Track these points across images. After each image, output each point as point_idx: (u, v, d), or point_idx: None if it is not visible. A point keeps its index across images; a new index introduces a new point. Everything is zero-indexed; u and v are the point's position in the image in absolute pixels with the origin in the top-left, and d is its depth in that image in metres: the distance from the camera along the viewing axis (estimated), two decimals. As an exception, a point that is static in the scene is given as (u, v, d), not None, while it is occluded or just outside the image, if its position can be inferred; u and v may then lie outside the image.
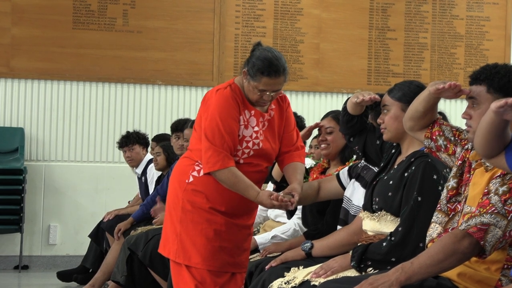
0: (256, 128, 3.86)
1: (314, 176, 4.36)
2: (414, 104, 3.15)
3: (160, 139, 6.78)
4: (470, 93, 2.92)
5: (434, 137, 3.12)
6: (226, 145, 3.73)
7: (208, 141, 3.75)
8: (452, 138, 3.09)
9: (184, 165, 3.88)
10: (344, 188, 4.01)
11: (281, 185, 4.31)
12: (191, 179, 3.82)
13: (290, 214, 4.44)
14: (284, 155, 4.00)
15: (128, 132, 6.94)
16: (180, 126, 6.30)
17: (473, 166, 2.90)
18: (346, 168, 4.05)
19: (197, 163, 3.83)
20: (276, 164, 4.30)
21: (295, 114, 5.02)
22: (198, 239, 3.81)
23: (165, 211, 4.01)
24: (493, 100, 2.82)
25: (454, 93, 3.02)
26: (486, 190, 2.74)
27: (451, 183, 2.98)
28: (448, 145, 3.09)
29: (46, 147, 7.57)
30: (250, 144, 3.84)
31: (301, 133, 4.20)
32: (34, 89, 7.55)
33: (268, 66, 3.76)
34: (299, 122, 5.11)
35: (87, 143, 7.67)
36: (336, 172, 4.09)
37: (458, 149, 3.05)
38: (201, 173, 3.81)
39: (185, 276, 3.83)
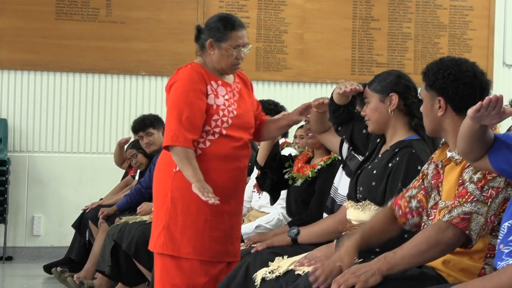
0: (226, 97, 3.87)
1: (299, 165, 4.37)
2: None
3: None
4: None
5: (406, 211, 3.03)
6: (187, 121, 3.73)
7: (171, 116, 3.76)
8: (422, 192, 3.01)
9: (169, 155, 3.84)
10: (341, 152, 4.02)
11: (265, 170, 4.32)
12: (178, 167, 3.79)
13: (274, 200, 4.46)
14: (257, 126, 4.08)
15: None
16: (138, 126, 6.31)
17: (440, 166, 2.90)
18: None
19: None
20: (260, 148, 4.32)
21: (275, 103, 5.03)
22: (188, 229, 3.78)
23: (154, 204, 3.98)
24: (430, 97, 2.84)
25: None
26: (460, 181, 2.74)
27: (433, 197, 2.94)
28: (423, 200, 3.02)
29: (30, 138, 7.54)
30: (225, 112, 3.83)
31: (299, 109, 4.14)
32: (17, 80, 7.52)
33: (230, 21, 3.87)
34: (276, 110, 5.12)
35: (71, 134, 7.65)
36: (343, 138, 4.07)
37: (425, 182, 3.00)
38: None
39: (172, 270, 3.80)
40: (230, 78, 3.97)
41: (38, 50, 7.51)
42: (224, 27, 3.85)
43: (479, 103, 2.40)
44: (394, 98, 3.38)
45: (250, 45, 3.96)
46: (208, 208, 3.76)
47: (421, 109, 2.94)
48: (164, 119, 6.55)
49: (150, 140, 6.25)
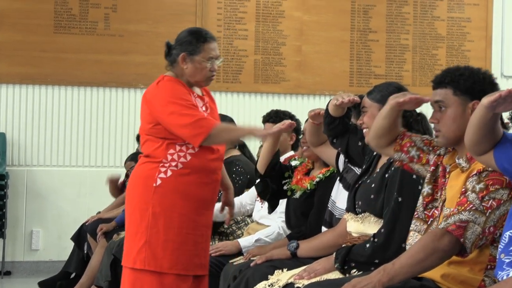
0: (203, 108, 3.91)
1: (298, 177, 4.36)
2: (378, 121, 3.16)
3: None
4: (435, 97, 2.94)
5: (405, 149, 3.13)
6: (194, 111, 3.74)
7: (179, 122, 3.74)
8: (425, 148, 3.11)
9: (148, 169, 3.83)
10: (337, 164, 4.01)
11: (265, 179, 4.32)
12: (159, 181, 3.78)
13: (272, 209, 4.46)
14: None
15: None
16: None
17: (448, 170, 2.92)
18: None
19: (161, 164, 3.80)
20: (260, 156, 4.33)
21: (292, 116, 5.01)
22: (170, 243, 3.77)
23: (126, 222, 3.93)
24: (460, 102, 2.85)
25: (415, 103, 3.05)
26: (463, 189, 2.76)
27: (426, 189, 2.99)
28: (421, 155, 3.10)
29: (28, 152, 7.53)
30: None
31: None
32: (16, 93, 7.52)
33: (201, 34, 3.93)
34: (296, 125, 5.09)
35: (69, 148, 7.64)
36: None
37: (431, 156, 3.06)
38: (169, 173, 3.79)
39: (153, 285, 3.76)
40: (199, 92, 4.00)
41: (37, 63, 7.52)
42: (196, 40, 3.89)
43: (498, 94, 2.43)
44: None
45: (222, 58, 4.00)
46: (189, 222, 3.79)
47: (442, 117, 2.93)
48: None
49: None
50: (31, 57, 7.50)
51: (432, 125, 3.03)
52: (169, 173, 3.79)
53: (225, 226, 4.53)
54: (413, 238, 2.97)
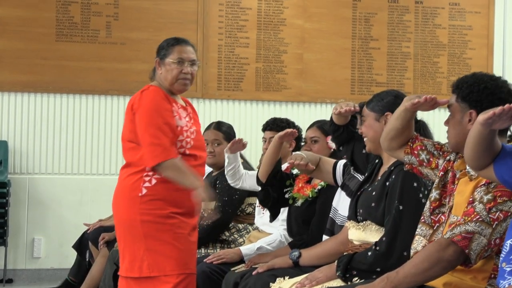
0: (187, 119, 3.94)
1: (300, 185, 4.37)
2: (391, 122, 3.15)
3: None
4: (447, 102, 2.94)
5: (415, 152, 3.13)
6: (165, 137, 3.76)
7: (147, 137, 3.77)
8: (435, 152, 3.10)
9: (133, 181, 3.86)
10: (335, 178, 4.02)
11: (266, 187, 4.32)
12: (144, 191, 3.81)
13: (273, 217, 4.45)
14: None
15: None
16: None
17: (457, 176, 2.91)
18: (343, 161, 4.04)
19: (145, 173, 3.83)
20: (262, 164, 4.34)
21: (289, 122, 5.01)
22: (168, 247, 3.81)
23: (118, 234, 3.97)
24: (460, 109, 2.85)
25: (431, 105, 3.04)
26: (471, 199, 2.74)
27: (434, 194, 2.99)
28: (431, 159, 3.10)
29: (30, 160, 7.53)
30: (188, 133, 3.89)
31: None
32: (18, 101, 7.52)
33: (174, 38, 4.01)
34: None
35: (71, 156, 7.64)
36: (336, 161, 4.08)
37: (440, 161, 3.05)
38: (153, 181, 3.81)
39: None
40: (182, 102, 4.04)
41: (38, 71, 7.52)
42: (167, 44, 3.99)
43: (492, 111, 2.42)
44: (390, 117, 3.38)
45: (199, 63, 4.05)
46: (181, 223, 3.83)
47: (447, 122, 2.94)
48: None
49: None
50: (33, 65, 7.51)
51: (435, 133, 3.04)
52: (154, 181, 3.82)
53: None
54: (418, 242, 2.96)
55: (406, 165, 3.17)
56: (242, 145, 4.75)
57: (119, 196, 3.95)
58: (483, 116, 2.45)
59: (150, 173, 3.82)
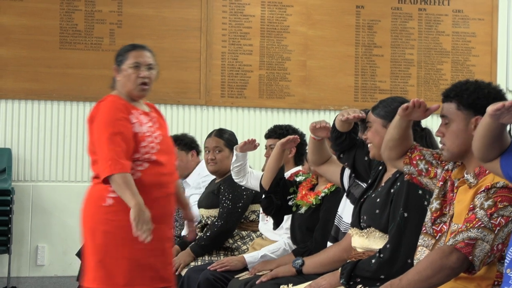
0: (149, 124, 3.91)
1: (303, 192, 4.36)
2: (389, 132, 3.16)
3: None
4: (441, 111, 2.93)
5: (414, 162, 3.12)
6: (118, 148, 3.73)
7: (100, 150, 3.77)
8: (434, 162, 3.10)
9: (98, 190, 3.85)
10: (342, 180, 4.00)
11: (269, 195, 4.31)
12: (109, 201, 3.79)
13: (276, 225, 4.45)
14: None
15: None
16: None
17: (456, 185, 2.90)
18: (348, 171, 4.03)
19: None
20: (265, 171, 4.33)
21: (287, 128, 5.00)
22: (124, 261, 3.77)
23: (83, 242, 3.95)
24: (464, 117, 2.85)
25: (422, 112, 3.03)
26: (471, 206, 2.74)
27: (434, 204, 2.98)
28: (429, 168, 3.09)
29: (34, 168, 7.53)
30: (152, 138, 3.87)
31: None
32: (21, 109, 7.53)
33: (131, 45, 4.04)
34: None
35: (75, 163, 7.64)
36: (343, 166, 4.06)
37: (439, 171, 3.05)
38: None
39: None
40: (145, 108, 4.02)
41: (42, 79, 7.53)
42: (124, 50, 4.01)
43: (501, 103, 2.42)
44: None
45: (157, 68, 4.04)
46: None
47: (441, 132, 2.93)
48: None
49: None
50: (36, 73, 7.52)
51: (438, 140, 3.02)
52: None
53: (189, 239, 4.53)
54: (421, 253, 2.96)
55: (406, 175, 3.17)
56: (254, 146, 4.77)
57: (85, 204, 3.92)
58: (492, 107, 2.45)
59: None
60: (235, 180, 4.87)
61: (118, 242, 3.77)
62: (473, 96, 2.85)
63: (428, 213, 3.00)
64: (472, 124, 2.84)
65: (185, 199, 4.30)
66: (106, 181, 3.74)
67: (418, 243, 2.99)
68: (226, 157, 5.09)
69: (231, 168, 4.85)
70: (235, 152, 4.80)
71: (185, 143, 5.73)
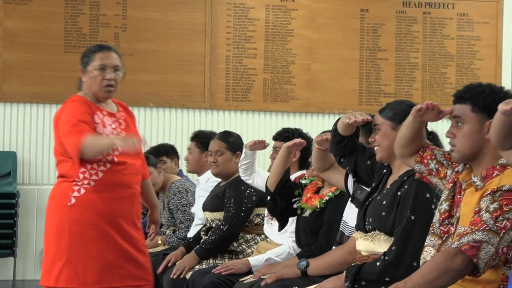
0: (113, 126, 3.92)
1: (308, 195, 4.36)
2: (402, 130, 3.17)
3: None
4: (453, 112, 2.92)
5: (425, 161, 3.13)
6: (83, 129, 3.72)
7: (66, 132, 3.74)
8: (444, 162, 3.10)
9: (62, 189, 3.86)
10: (346, 186, 4.00)
11: (274, 197, 4.32)
12: (73, 200, 3.80)
13: (281, 227, 4.46)
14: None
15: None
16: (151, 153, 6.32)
17: (463, 187, 2.91)
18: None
19: (75, 183, 3.81)
20: (271, 173, 4.33)
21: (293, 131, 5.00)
22: (91, 259, 3.78)
23: (45, 240, 3.95)
24: (478, 119, 2.85)
25: (435, 114, 3.04)
26: (477, 209, 2.74)
27: (444, 206, 2.98)
28: (440, 169, 3.09)
29: (39, 171, 7.55)
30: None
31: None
32: (26, 113, 7.54)
33: (98, 46, 4.01)
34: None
35: (80, 166, 7.65)
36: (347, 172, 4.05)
37: (449, 172, 3.05)
38: (82, 191, 3.80)
39: None
40: (113, 108, 4.02)
41: (47, 82, 7.55)
42: (89, 51, 3.97)
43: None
44: None
45: (123, 70, 4.02)
46: (107, 236, 3.80)
47: (452, 133, 2.92)
48: (176, 148, 6.58)
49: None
50: (41, 76, 7.54)
51: (445, 144, 3.02)
52: (82, 191, 3.80)
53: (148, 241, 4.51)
54: (428, 253, 2.95)
55: (416, 174, 3.17)
56: (263, 146, 4.79)
57: (50, 203, 3.93)
58: (502, 106, 2.46)
59: (80, 183, 3.80)
60: (242, 178, 4.89)
61: (84, 241, 3.78)
62: (489, 99, 2.85)
63: (437, 214, 3.00)
64: (486, 127, 2.83)
65: (154, 200, 4.33)
66: (83, 161, 3.74)
67: (425, 243, 2.99)
68: (228, 160, 5.09)
69: (239, 165, 4.87)
70: (244, 150, 4.83)
71: (202, 141, 5.73)
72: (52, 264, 3.83)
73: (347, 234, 3.89)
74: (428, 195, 3.26)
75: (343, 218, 3.97)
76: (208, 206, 5.11)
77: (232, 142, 5.15)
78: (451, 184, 3.00)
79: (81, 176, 3.81)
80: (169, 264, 5.05)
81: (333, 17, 8.09)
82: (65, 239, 3.79)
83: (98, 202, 3.80)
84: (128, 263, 3.88)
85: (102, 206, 3.80)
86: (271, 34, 7.98)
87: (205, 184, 5.47)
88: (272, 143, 5.05)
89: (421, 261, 2.97)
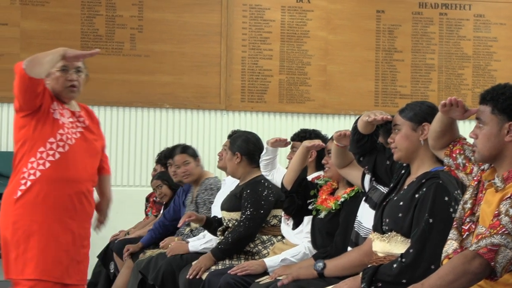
0: (71, 119, 3.93)
1: (323, 197, 4.36)
2: (433, 124, 3.22)
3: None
4: (477, 113, 2.91)
5: (454, 155, 3.14)
6: None
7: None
8: (472, 158, 3.09)
9: (13, 184, 3.86)
10: (363, 184, 4.00)
11: (291, 194, 4.32)
12: (19, 193, 3.80)
13: (296, 225, 4.46)
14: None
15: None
16: (164, 155, 6.32)
17: (485, 186, 2.90)
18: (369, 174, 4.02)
19: (22, 176, 3.81)
20: (288, 171, 4.34)
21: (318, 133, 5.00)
22: (31, 251, 3.77)
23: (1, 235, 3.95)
24: (497, 121, 2.83)
25: (461, 112, 3.04)
26: (496, 212, 2.73)
27: (468, 204, 2.96)
28: (467, 164, 3.09)
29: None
30: (71, 131, 3.88)
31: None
32: (43, 113, 7.57)
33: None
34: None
35: (96, 167, 7.68)
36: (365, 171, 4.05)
37: (475, 169, 3.04)
38: (28, 183, 3.79)
39: None
40: (76, 108, 4.05)
41: (63, 83, 7.58)
42: None
43: None
44: (427, 128, 3.35)
45: (85, 71, 4.04)
46: (50, 230, 3.79)
47: (475, 134, 2.92)
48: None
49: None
50: (58, 77, 7.56)
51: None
52: (29, 183, 3.79)
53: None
54: (450, 246, 2.94)
55: (445, 167, 3.18)
56: (284, 144, 4.83)
57: (3, 198, 3.93)
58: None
59: (26, 175, 3.80)
60: (263, 173, 4.93)
61: (29, 234, 3.78)
62: (509, 101, 2.83)
63: (462, 211, 2.98)
64: (505, 130, 2.82)
65: (107, 192, 4.30)
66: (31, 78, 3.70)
67: (448, 237, 2.98)
68: (229, 160, 5.14)
69: (260, 160, 4.90)
70: (265, 146, 4.87)
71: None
72: (7, 258, 3.84)
73: (363, 236, 3.88)
74: (446, 198, 3.25)
75: (358, 218, 3.97)
76: (226, 205, 5.12)
77: (239, 146, 5.15)
78: (476, 182, 2.99)
79: (29, 165, 3.80)
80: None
81: (349, 18, 8.08)
82: (10, 232, 3.80)
83: (42, 196, 3.79)
84: (67, 260, 3.87)
85: (46, 200, 3.79)
86: (287, 35, 7.99)
87: (232, 184, 5.49)
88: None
89: (443, 255, 2.96)
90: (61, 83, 3.92)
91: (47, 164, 3.81)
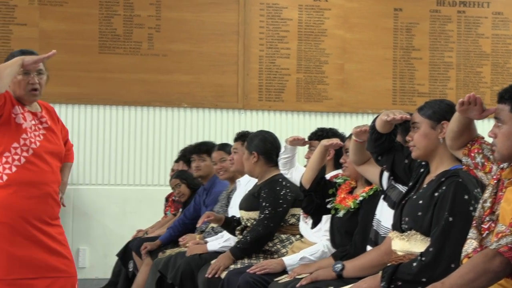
0: (33, 122, 3.92)
1: (342, 195, 4.36)
2: (450, 123, 3.19)
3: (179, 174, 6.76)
4: (495, 112, 2.90)
5: (472, 155, 3.12)
6: None
7: None
8: (491, 157, 3.08)
9: None
10: (381, 181, 3.99)
11: (310, 193, 4.32)
12: None
13: (314, 224, 4.47)
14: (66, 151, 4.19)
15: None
16: (188, 151, 6.32)
17: (505, 184, 2.89)
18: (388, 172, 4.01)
19: None
20: (306, 170, 4.34)
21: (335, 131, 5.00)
22: (3, 253, 3.77)
23: None
24: None
25: (479, 111, 3.02)
26: (517, 210, 2.73)
27: (487, 203, 2.96)
28: (485, 163, 3.08)
29: (75, 171, 7.61)
30: (33, 134, 3.88)
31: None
32: (61, 113, 7.61)
33: (20, 51, 3.98)
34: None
35: (115, 167, 7.71)
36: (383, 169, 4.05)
37: (494, 167, 3.03)
38: None
39: None
40: (37, 108, 4.03)
41: (82, 83, 7.61)
42: (12, 57, 3.92)
43: None
44: (446, 126, 3.35)
45: (46, 73, 4.03)
46: (20, 230, 3.78)
47: (494, 133, 2.91)
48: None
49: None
50: (76, 77, 7.60)
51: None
52: None
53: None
54: (469, 245, 2.94)
55: (464, 167, 3.17)
56: (302, 143, 4.85)
57: None
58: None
59: None
60: (281, 171, 4.94)
61: None
62: None
63: (481, 209, 2.97)
64: None
65: (64, 177, 4.28)
66: None
67: (468, 236, 2.97)
68: (246, 159, 5.15)
69: (279, 158, 4.92)
70: (284, 144, 4.88)
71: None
72: None
73: (382, 234, 3.87)
74: (466, 197, 3.24)
75: (377, 217, 3.96)
76: (244, 205, 5.13)
77: (254, 144, 5.17)
78: (495, 181, 2.97)
79: None
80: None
81: (366, 17, 8.07)
82: None
83: (7, 198, 3.79)
84: (38, 257, 3.88)
85: (10, 202, 3.79)
86: (304, 34, 7.99)
87: (246, 185, 5.50)
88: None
89: (463, 254, 2.95)
90: (23, 87, 3.91)
91: (13, 169, 3.82)
